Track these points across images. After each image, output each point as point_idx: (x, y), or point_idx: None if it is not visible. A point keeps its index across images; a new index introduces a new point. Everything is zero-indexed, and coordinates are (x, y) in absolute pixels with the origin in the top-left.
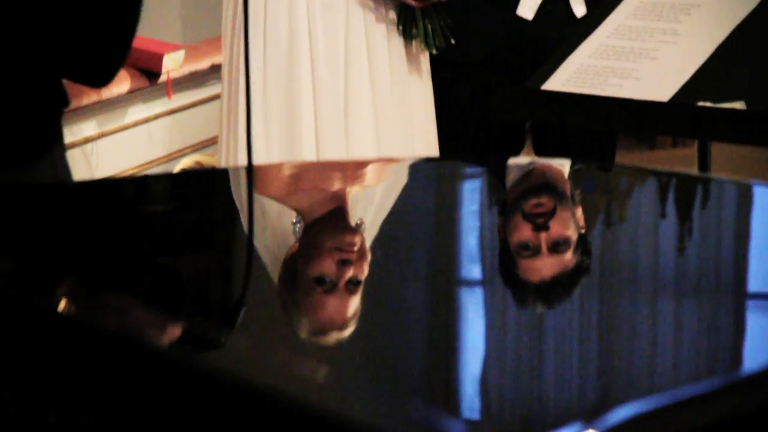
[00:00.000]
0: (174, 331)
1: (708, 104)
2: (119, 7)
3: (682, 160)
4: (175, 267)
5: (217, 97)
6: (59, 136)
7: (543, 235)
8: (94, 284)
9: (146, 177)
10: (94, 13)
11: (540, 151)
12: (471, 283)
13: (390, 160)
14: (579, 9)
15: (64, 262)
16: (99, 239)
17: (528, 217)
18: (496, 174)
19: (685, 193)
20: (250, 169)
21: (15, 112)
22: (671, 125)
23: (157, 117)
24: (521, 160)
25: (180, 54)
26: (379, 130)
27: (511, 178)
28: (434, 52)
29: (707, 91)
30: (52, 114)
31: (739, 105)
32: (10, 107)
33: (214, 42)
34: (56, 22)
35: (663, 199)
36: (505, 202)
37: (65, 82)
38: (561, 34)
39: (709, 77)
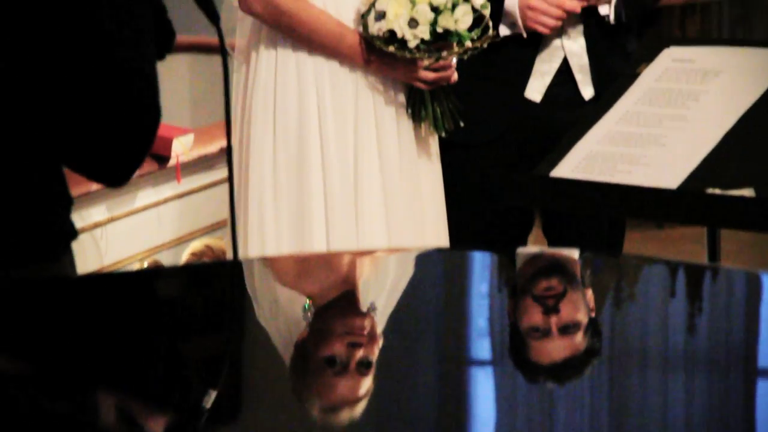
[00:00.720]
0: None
1: (717, 191)
2: (138, 114)
3: (692, 238)
4: (184, 361)
5: (226, 180)
6: (74, 229)
7: (553, 319)
8: (104, 382)
9: (155, 270)
10: (114, 119)
11: (549, 233)
12: (482, 365)
13: (400, 250)
14: (587, 91)
15: (76, 364)
16: (108, 335)
17: (538, 301)
18: (506, 262)
19: (694, 281)
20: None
21: (31, 210)
22: (680, 212)
23: (166, 201)
24: (530, 249)
25: (189, 138)
26: (388, 211)
27: (521, 266)
28: (443, 134)
29: (716, 178)
30: (62, 211)
31: (747, 192)
32: (23, 205)
33: (223, 125)
34: (73, 125)
35: (672, 289)
36: (515, 288)
37: (67, 174)
38: (569, 116)
39: (718, 164)
